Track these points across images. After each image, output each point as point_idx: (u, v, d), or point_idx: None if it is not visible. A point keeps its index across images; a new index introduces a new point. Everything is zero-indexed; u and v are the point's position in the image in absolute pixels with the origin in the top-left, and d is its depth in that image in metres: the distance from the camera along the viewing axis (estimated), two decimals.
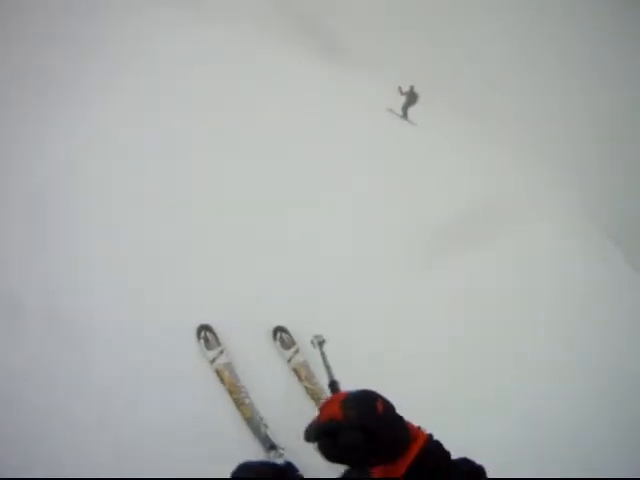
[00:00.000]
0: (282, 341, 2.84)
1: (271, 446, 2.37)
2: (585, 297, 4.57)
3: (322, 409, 1.11)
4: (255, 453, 2.38)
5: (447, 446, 1.09)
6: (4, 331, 2.56)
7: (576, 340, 3.88)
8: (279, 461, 2.37)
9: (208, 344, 2.57)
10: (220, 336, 2.64)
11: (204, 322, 2.65)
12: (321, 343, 1.82)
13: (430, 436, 1.09)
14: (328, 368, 1.58)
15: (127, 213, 3.30)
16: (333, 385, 1.93)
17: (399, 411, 1.10)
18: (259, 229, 3.50)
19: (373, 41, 8.69)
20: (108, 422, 2.33)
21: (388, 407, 1.09)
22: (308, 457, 2.42)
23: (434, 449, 1.07)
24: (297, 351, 2.81)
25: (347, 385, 1.12)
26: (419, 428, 1.11)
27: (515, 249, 4.70)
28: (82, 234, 3.14)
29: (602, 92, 8.36)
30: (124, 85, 4.44)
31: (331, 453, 1.04)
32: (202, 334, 2.59)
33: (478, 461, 1.07)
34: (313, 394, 2.68)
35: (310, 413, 2.74)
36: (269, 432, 2.41)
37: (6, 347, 2.51)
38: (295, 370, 2.75)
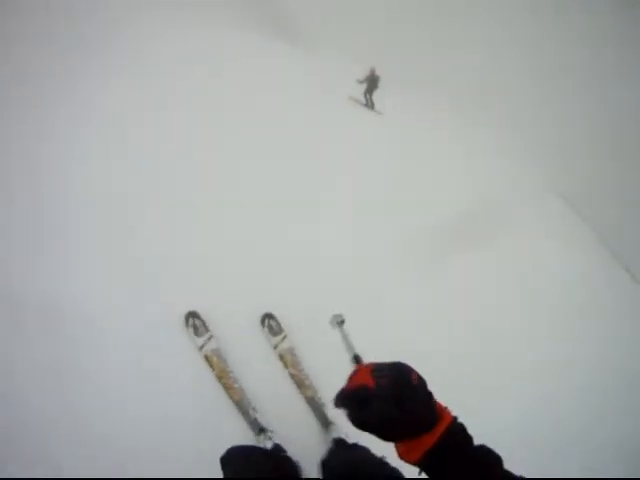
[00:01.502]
0: (270, 328, 2.93)
1: (260, 429, 2.43)
2: (585, 299, 4.58)
3: (352, 376, 1.06)
4: (245, 437, 2.47)
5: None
6: (4, 331, 2.59)
7: (577, 338, 3.92)
8: (268, 444, 2.49)
9: (197, 331, 2.65)
10: (208, 322, 2.72)
11: (192, 309, 2.72)
12: (340, 323, 1.82)
13: (455, 418, 1.07)
14: (349, 345, 1.58)
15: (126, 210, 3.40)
16: (356, 358, 1.88)
17: None
18: (252, 217, 3.58)
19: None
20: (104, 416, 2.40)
21: (421, 380, 1.05)
22: (295, 440, 2.57)
23: (459, 431, 1.05)
24: (284, 338, 2.90)
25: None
26: (446, 408, 1.08)
27: (515, 249, 4.76)
28: (83, 232, 3.22)
29: (603, 93, 8.32)
30: (125, 84, 4.48)
31: (360, 421, 0.99)
32: (190, 321, 2.67)
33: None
34: (297, 380, 2.76)
35: (295, 398, 2.87)
36: (258, 415, 2.48)
37: (6, 347, 2.54)
38: (281, 356, 2.83)
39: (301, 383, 2.75)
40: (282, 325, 2.94)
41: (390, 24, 8.77)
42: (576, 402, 3.27)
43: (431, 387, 1.07)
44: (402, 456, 1.05)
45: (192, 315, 2.68)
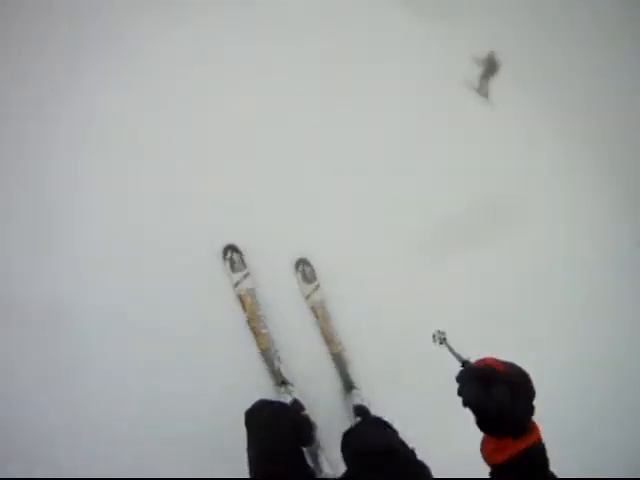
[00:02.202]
0: (304, 274, 2.66)
1: (282, 382, 2.31)
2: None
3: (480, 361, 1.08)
4: (264, 387, 2.34)
5: None
6: (4, 331, 2.50)
7: (578, 339, 3.80)
8: (288, 398, 2.32)
9: (234, 266, 2.37)
10: (246, 259, 2.43)
11: (231, 242, 2.43)
12: (443, 340, 1.66)
13: (540, 441, 1.05)
14: (457, 355, 1.48)
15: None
16: (465, 363, 1.73)
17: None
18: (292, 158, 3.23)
19: None
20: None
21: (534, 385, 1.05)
22: (315, 399, 2.41)
23: (543, 449, 1.05)
24: (317, 287, 2.66)
25: None
26: (534, 423, 1.05)
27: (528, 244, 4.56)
28: (85, 230, 2.98)
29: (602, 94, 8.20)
30: (126, 82, 4.01)
31: (479, 400, 0.99)
32: (228, 254, 2.37)
33: None
34: (326, 334, 2.59)
35: (321, 354, 2.67)
36: (282, 367, 2.34)
37: (6, 346, 2.45)
38: (313, 308, 2.61)
39: (330, 338, 2.59)
40: (316, 273, 2.67)
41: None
42: (576, 402, 3.21)
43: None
44: (486, 452, 1.05)
45: (231, 248, 2.37)
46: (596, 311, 4.20)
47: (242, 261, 2.42)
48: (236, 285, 2.36)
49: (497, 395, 0.97)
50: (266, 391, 2.34)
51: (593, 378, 3.45)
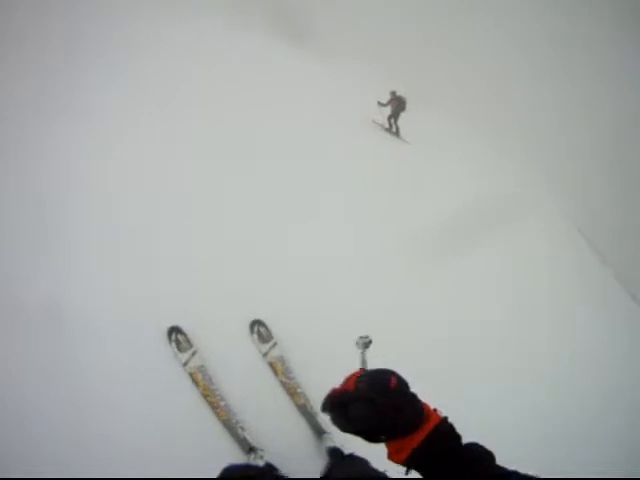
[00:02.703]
0: (259, 335, 2.77)
1: (250, 449, 2.33)
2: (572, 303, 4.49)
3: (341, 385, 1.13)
4: (236, 455, 2.38)
5: None
6: (4, 330, 2.62)
7: (577, 342, 3.86)
8: (260, 463, 2.40)
9: (180, 346, 2.48)
10: (192, 336, 2.55)
11: (174, 324, 2.55)
12: (367, 344, 1.66)
13: (445, 418, 1.10)
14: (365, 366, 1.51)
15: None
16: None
17: None
18: (243, 225, 3.46)
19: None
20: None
21: (401, 383, 1.10)
22: (289, 451, 2.49)
23: (447, 431, 1.08)
24: (274, 345, 2.75)
25: None
26: (435, 410, 1.12)
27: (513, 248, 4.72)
28: (82, 232, 3.23)
29: (601, 96, 8.08)
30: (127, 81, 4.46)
31: (342, 423, 1.06)
32: (173, 336, 2.49)
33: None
34: (289, 388, 2.64)
35: (287, 408, 2.76)
36: (247, 434, 2.37)
37: (6, 346, 2.57)
38: (271, 364, 2.70)
39: (293, 391, 2.64)
40: (272, 332, 2.78)
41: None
42: (576, 403, 3.23)
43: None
44: (391, 457, 1.09)
45: (175, 330, 2.50)
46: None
47: (187, 340, 2.51)
48: (185, 364, 2.44)
49: (353, 413, 1.03)
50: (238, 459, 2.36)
51: (594, 379, 3.45)
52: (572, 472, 2.38)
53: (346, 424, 1.06)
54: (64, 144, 3.66)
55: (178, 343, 2.48)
